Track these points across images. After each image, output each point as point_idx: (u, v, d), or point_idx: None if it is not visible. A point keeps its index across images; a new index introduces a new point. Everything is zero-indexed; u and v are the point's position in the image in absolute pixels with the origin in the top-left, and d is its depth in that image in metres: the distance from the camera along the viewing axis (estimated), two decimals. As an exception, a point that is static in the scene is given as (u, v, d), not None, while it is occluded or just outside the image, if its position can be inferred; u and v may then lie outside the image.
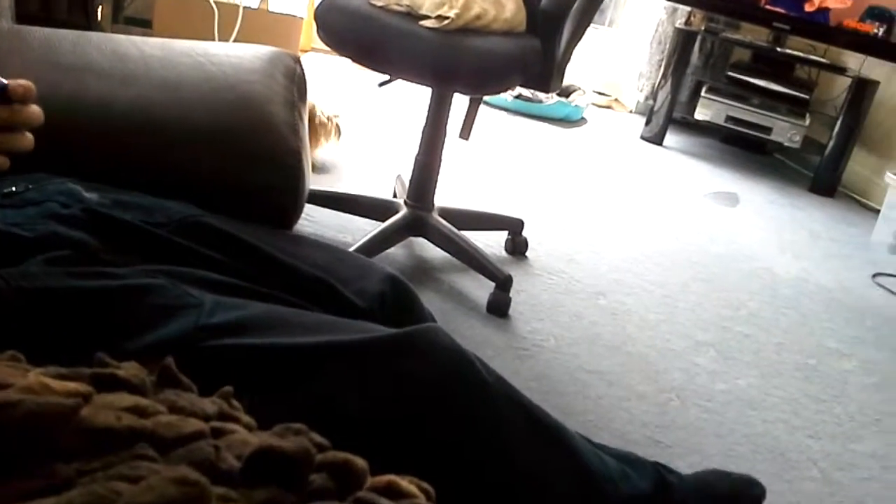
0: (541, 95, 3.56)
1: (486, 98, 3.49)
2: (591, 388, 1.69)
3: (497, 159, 2.94)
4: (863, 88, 3.29)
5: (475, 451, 0.88)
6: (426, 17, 1.66)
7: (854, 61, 3.48)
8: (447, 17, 1.65)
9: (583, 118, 3.67)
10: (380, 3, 1.72)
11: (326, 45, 1.71)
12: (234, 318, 0.76)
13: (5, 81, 0.68)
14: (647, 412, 1.66)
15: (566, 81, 3.76)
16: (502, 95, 3.47)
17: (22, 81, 0.69)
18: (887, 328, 2.30)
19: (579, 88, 3.74)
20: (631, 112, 4.01)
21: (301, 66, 1.18)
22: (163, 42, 1.09)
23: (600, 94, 4.05)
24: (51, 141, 0.76)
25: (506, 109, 3.50)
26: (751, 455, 1.60)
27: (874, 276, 2.65)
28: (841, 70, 3.48)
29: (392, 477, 0.44)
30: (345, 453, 0.43)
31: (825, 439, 1.71)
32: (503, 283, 1.86)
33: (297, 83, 1.13)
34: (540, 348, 1.79)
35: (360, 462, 0.43)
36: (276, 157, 1.05)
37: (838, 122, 3.32)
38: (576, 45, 1.81)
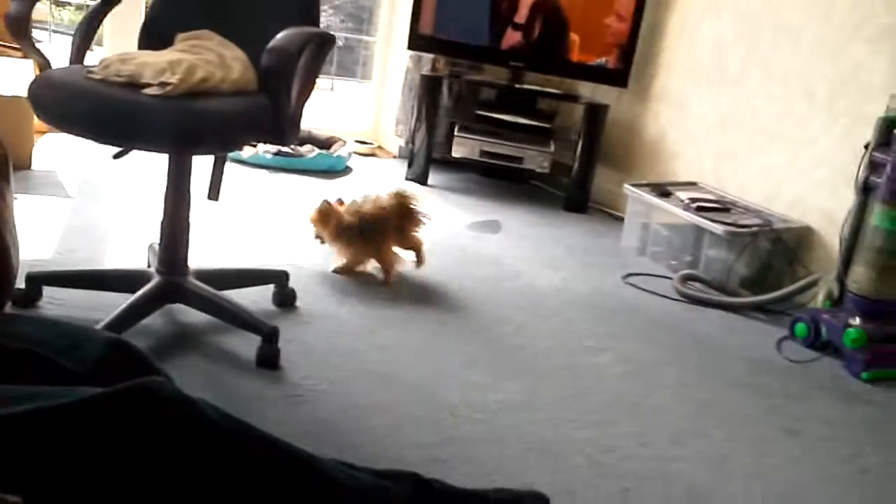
0: (301, 150, 3.62)
1: (244, 157, 3.50)
2: (366, 421, 1.73)
3: (260, 216, 2.95)
4: (595, 112, 3.62)
5: (215, 492, 0.89)
6: (148, 86, 1.67)
7: (586, 89, 3.83)
8: (170, 83, 1.66)
9: (347, 167, 3.77)
10: (98, 76, 1.71)
11: (46, 123, 1.67)
12: None
13: None
14: (422, 432, 1.72)
15: (327, 134, 3.87)
16: (261, 153, 3.49)
17: None
18: (638, 321, 2.53)
19: (340, 139, 3.84)
20: (395, 157, 4.16)
21: (2, 147, 1.16)
22: None
23: (363, 142, 4.18)
24: None
25: (267, 167, 3.52)
26: (522, 455, 1.70)
27: (625, 277, 2.90)
28: (575, 98, 3.80)
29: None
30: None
31: (589, 428, 1.85)
32: (269, 336, 1.88)
33: (-6, 160, 1.10)
34: (314, 392, 1.81)
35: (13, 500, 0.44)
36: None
37: (579, 145, 3.63)
38: (306, 98, 1.87)
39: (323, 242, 2.52)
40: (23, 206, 2.64)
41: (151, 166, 3.11)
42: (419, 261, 2.58)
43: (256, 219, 2.93)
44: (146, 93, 1.64)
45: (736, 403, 2.07)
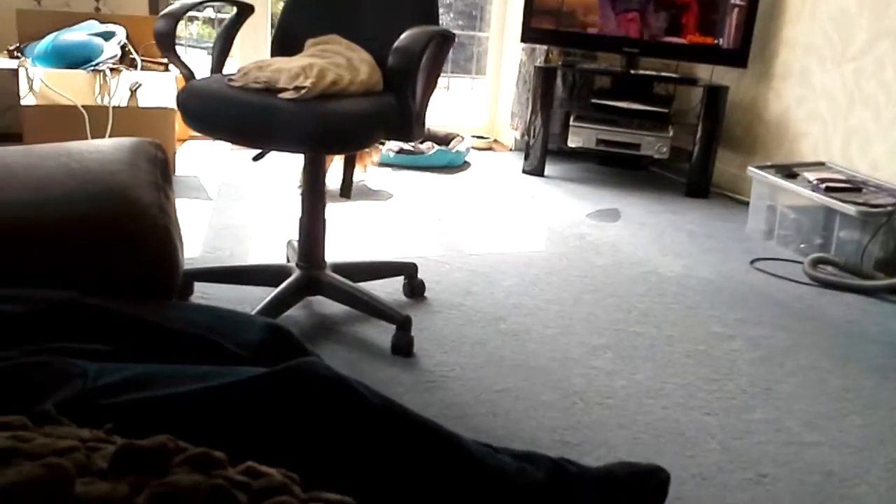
0: (422, 147, 3.71)
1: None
2: (499, 406, 1.78)
3: (386, 212, 3.05)
4: (715, 95, 3.55)
5: (367, 469, 0.96)
6: (284, 90, 1.77)
7: (705, 71, 3.76)
8: (304, 87, 1.76)
9: (466, 162, 3.83)
10: (238, 84, 1.82)
11: (193, 129, 1.80)
12: (119, 379, 0.83)
13: None
14: (553, 418, 1.76)
15: (446, 130, 3.94)
16: (385, 151, 3.60)
17: None
18: (767, 307, 2.48)
19: (458, 136, 3.91)
20: (511, 150, 4.20)
21: (162, 150, 1.26)
22: (26, 148, 1.17)
23: (480, 137, 4.23)
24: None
25: (391, 165, 3.63)
26: (654, 440, 1.71)
27: (752, 262, 2.84)
28: (693, 81, 3.74)
29: (251, 463, 0.52)
30: (204, 447, 0.51)
31: (721, 414, 1.84)
32: (403, 324, 1.95)
33: (159, 167, 1.21)
34: (447, 378, 1.88)
35: (218, 454, 0.51)
36: (145, 236, 1.12)
37: (699, 129, 3.57)
38: (430, 95, 1.94)
39: None
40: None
41: (286, 167, 3.28)
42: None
43: (384, 214, 3.03)
44: (282, 97, 1.74)
45: (874, 388, 2.02)
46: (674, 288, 2.56)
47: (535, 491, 1.16)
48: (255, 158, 2.04)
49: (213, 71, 2.02)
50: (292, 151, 1.80)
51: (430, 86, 1.93)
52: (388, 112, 1.80)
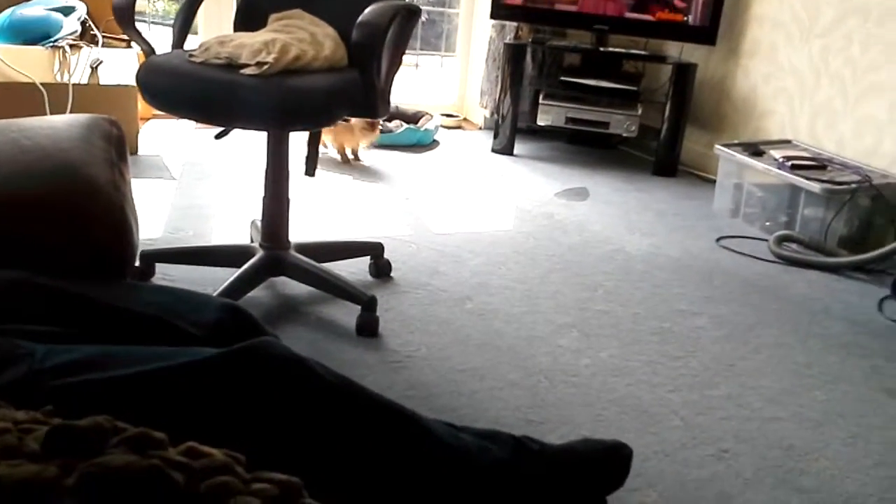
0: (390, 125, 3.68)
1: (337, 137, 3.59)
2: (465, 385, 1.78)
3: (351, 191, 3.03)
4: (684, 73, 3.55)
5: (324, 448, 0.95)
6: (246, 66, 1.74)
7: (674, 49, 3.76)
8: (266, 63, 1.73)
9: (435, 141, 3.81)
10: (199, 59, 1.79)
11: (153, 107, 1.77)
12: (68, 361, 0.81)
13: None
14: (518, 397, 1.76)
15: (414, 109, 3.91)
16: (353, 132, 3.56)
17: None
18: (733, 284, 2.50)
19: (427, 114, 3.88)
20: (480, 129, 4.18)
21: (118, 127, 1.24)
22: (-27, 124, 1.13)
23: (449, 116, 4.21)
24: None
25: (359, 145, 3.60)
26: (617, 417, 1.72)
27: (718, 239, 2.86)
28: (662, 59, 3.74)
29: (192, 443, 0.51)
30: (143, 428, 0.50)
31: (684, 390, 1.86)
32: (368, 304, 1.94)
33: (115, 144, 1.18)
34: (412, 358, 1.87)
35: (158, 434, 0.49)
36: (99, 215, 1.10)
37: (667, 107, 3.57)
38: (395, 72, 1.92)
39: None
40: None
41: (250, 146, 3.23)
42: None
43: (349, 194, 3.01)
44: (244, 73, 1.71)
45: (836, 364, 2.04)
46: (640, 266, 2.57)
47: (498, 469, 1.16)
48: (218, 136, 2.01)
49: (174, 46, 1.98)
50: (255, 129, 1.78)
51: (396, 62, 1.91)
52: (352, 88, 1.77)
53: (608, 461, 1.34)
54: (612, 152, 3.97)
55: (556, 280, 2.40)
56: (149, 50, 1.86)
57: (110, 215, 1.07)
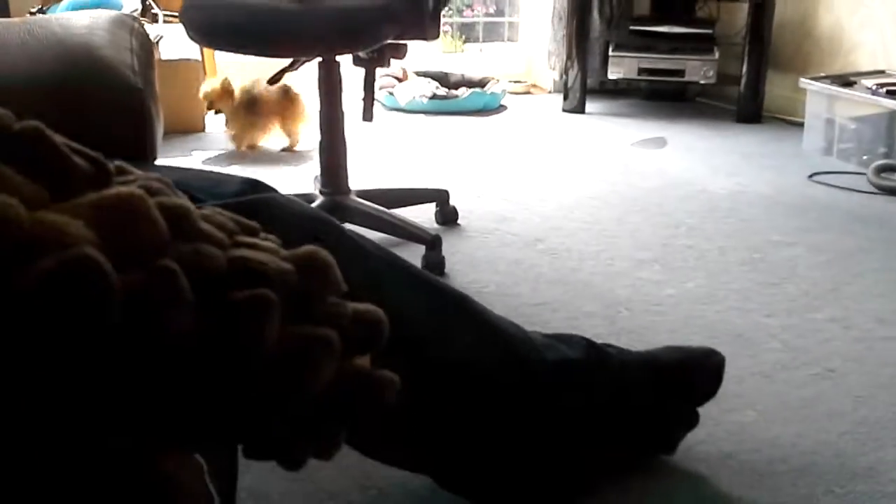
0: (456, 93, 3.58)
1: (402, 104, 3.50)
2: (537, 318, 1.66)
3: (419, 153, 2.93)
4: (761, 12, 3.34)
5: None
6: (288, -6, 1.66)
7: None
8: (308, -12, 1.65)
9: (502, 105, 3.69)
10: (241, -8, 1.72)
11: (198, 42, 1.71)
12: None
13: None
14: (596, 326, 1.63)
15: (480, 74, 3.80)
16: (417, 98, 3.48)
17: None
18: (831, 215, 2.30)
19: (493, 78, 3.76)
20: (549, 93, 4.04)
21: (140, 23, 1.17)
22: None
23: (517, 82, 4.08)
24: None
25: (424, 112, 3.50)
26: (707, 341, 1.55)
27: (811, 176, 2.66)
28: None
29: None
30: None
31: (782, 315, 1.69)
32: (432, 243, 1.84)
33: (135, 34, 1.11)
34: (480, 294, 1.75)
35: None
36: (116, 98, 1.02)
37: (746, 51, 3.36)
38: (445, -4, 1.81)
39: (217, 113, 2.84)
40: (199, 163, 2.76)
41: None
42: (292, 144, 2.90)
43: (415, 154, 2.91)
44: None
45: (953, 284, 1.84)
46: (726, 203, 2.39)
47: (566, 367, 1.04)
48: (271, 81, 1.94)
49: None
50: (300, 55, 1.70)
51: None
52: (399, 8, 1.68)
53: (697, 368, 1.20)
54: (690, 105, 3.77)
55: (633, 220, 2.25)
56: (192, -11, 1.81)
57: (128, 99, 0.99)
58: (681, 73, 3.41)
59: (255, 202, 0.79)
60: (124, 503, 0.47)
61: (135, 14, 1.15)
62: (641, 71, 3.44)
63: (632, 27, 3.57)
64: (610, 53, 3.48)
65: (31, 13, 3.09)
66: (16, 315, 0.33)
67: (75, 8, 3.00)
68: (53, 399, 0.35)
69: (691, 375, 1.18)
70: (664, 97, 3.74)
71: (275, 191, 0.95)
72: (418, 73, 3.71)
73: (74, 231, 0.35)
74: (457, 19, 4.50)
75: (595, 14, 3.68)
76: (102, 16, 1.12)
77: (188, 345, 0.37)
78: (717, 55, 3.40)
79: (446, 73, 3.81)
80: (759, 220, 2.25)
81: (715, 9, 3.68)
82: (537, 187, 2.52)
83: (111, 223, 0.37)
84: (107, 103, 1.01)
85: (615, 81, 3.70)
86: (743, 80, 3.40)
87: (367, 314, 0.46)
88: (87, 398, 0.36)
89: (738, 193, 2.48)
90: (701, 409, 1.21)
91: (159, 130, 1.08)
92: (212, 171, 1.05)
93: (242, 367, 0.38)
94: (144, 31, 1.16)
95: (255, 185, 0.93)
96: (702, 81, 3.41)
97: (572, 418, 1.03)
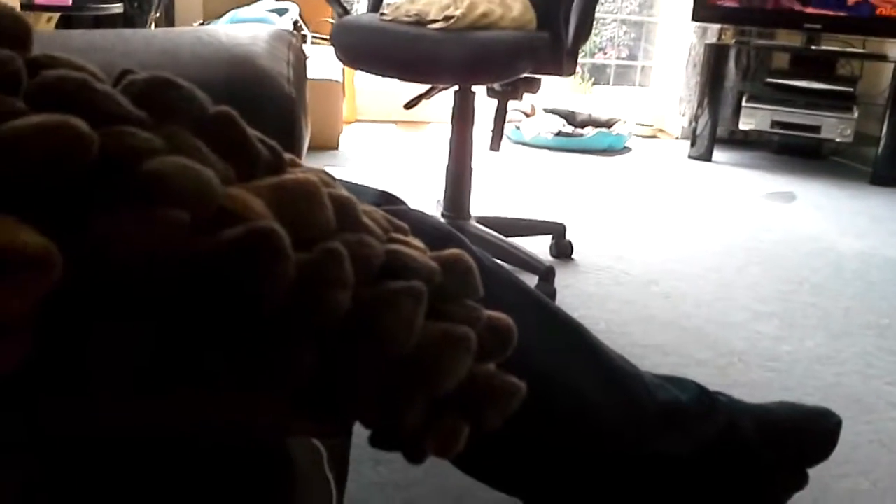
0: (582, 131, 3.59)
1: (527, 139, 3.54)
2: (647, 360, 1.64)
3: (540, 186, 2.96)
4: (908, 73, 3.23)
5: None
6: (434, 21, 1.73)
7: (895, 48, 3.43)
8: (452, 17, 1.71)
9: (626, 147, 3.68)
10: (389, 18, 1.80)
11: (344, 63, 1.79)
12: None
13: None
14: (707, 374, 1.60)
15: (607, 115, 3.81)
16: (543, 134, 3.51)
17: None
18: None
19: (620, 119, 3.76)
20: (677, 138, 4.00)
21: (297, 39, 1.24)
22: (164, 28, 1.18)
23: (644, 125, 4.06)
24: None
25: (548, 147, 3.54)
26: (823, 402, 1.50)
27: (949, 246, 2.53)
28: (882, 58, 3.42)
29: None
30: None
31: (905, 385, 1.62)
32: (545, 274, 1.86)
33: (292, 49, 1.18)
34: (591, 331, 1.75)
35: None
36: (269, 103, 1.09)
37: (887, 111, 3.25)
38: (583, 34, 1.84)
39: None
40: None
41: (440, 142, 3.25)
42: None
43: (537, 189, 2.94)
44: (432, 27, 1.70)
45: None
46: (853, 265, 2.31)
47: (677, 408, 1.03)
48: (408, 105, 2.01)
49: (369, 10, 2.02)
50: (438, 82, 1.76)
51: (585, 24, 1.83)
52: (539, 44, 1.72)
53: (812, 427, 1.17)
54: (824, 163, 3.66)
55: (754, 272, 2.20)
56: (342, 12, 1.90)
57: (282, 106, 1.06)
58: (817, 129, 3.32)
59: (394, 212, 0.84)
60: (245, 480, 0.51)
61: (293, 32, 1.23)
62: (774, 124, 3.37)
63: (769, 79, 3.50)
64: (743, 104, 3.43)
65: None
66: (199, 275, 0.36)
67: (234, 23, 3.20)
68: (209, 360, 0.38)
69: (804, 434, 1.15)
70: (795, 152, 3.65)
71: (407, 205, 0.99)
72: (546, 110, 3.75)
73: (258, 208, 0.39)
74: (588, 60, 4.52)
75: (731, 64, 3.63)
76: (264, 29, 1.20)
77: (342, 327, 0.40)
78: (855, 114, 3.30)
79: (573, 112, 3.83)
80: (887, 285, 2.16)
81: (858, 67, 3.57)
82: (656, 230, 2.50)
83: (288, 204, 0.41)
84: (263, 108, 1.08)
85: (745, 132, 3.64)
86: (882, 142, 3.29)
87: (500, 322, 0.49)
88: (242, 366, 0.40)
89: (867, 256, 2.39)
90: (811, 472, 1.18)
91: (306, 139, 1.14)
92: (349, 181, 1.10)
93: (388, 355, 0.41)
94: (300, 46, 1.24)
95: (389, 198, 0.98)
96: (838, 139, 3.32)
97: (675, 465, 1.02)
